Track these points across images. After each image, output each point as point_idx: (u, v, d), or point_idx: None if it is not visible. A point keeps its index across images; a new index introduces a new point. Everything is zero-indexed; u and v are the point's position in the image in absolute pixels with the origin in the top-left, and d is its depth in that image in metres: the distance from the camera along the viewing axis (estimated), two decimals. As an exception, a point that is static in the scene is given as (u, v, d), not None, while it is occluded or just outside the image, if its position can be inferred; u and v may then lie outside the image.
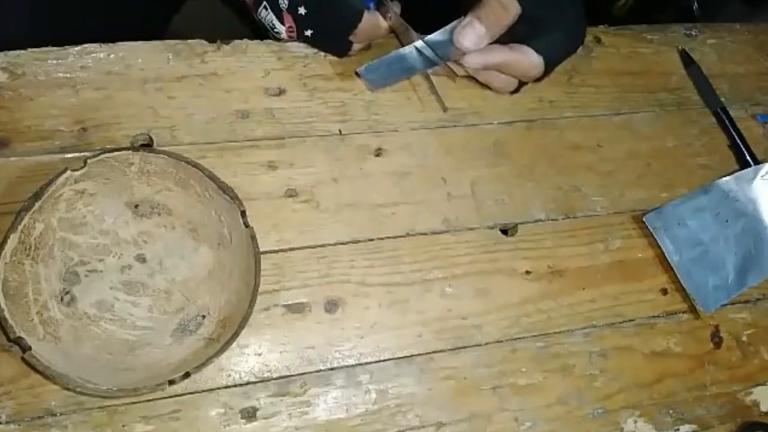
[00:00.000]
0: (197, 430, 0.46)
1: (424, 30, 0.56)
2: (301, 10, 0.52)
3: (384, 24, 0.55)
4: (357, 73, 0.56)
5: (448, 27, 0.55)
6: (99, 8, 0.65)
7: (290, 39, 0.55)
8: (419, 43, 0.55)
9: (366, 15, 0.53)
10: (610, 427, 0.53)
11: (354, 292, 0.52)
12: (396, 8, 0.54)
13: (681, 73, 0.67)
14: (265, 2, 0.52)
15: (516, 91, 0.59)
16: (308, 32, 0.54)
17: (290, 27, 0.53)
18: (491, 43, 0.54)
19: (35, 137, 0.50)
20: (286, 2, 0.52)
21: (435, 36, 0.55)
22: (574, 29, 0.57)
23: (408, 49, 0.56)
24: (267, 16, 0.53)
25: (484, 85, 0.59)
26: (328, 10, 0.52)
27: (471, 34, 0.53)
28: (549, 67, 0.56)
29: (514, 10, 0.52)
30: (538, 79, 0.57)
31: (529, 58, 0.54)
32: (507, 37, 0.54)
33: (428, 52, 0.55)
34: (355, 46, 0.56)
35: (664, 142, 0.63)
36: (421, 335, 0.52)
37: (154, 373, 0.44)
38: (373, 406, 0.50)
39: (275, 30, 0.54)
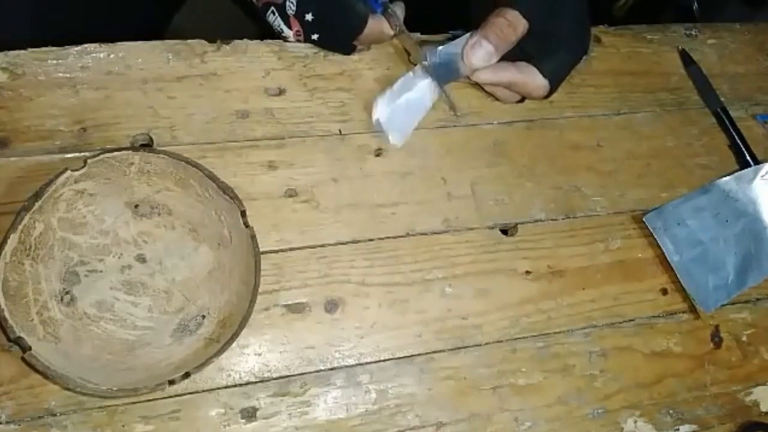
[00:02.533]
0: (197, 430, 0.46)
1: (424, 32, 0.57)
2: (308, 17, 0.53)
3: (388, 30, 0.55)
4: (379, 123, 0.56)
5: (456, 41, 0.55)
6: (99, 8, 0.65)
7: (297, 41, 0.56)
8: (426, 62, 0.55)
9: (371, 21, 0.54)
10: (610, 427, 0.53)
11: (354, 292, 0.52)
12: (400, 14, 0.55)
13: (681, 73, 0.67)
14: (273, 7, 0.53)
15: (520, 101, 0.59)
16: (315, 36, 0.55)
17: (297, 31, 0.55)
18: (500, 59, 0.54)
19: (35, 137, 0.50)
20: (294, 8, 0.53)
21: (445, 49, 0.55)
22: (579, 44, 0.58)
23: (418, 85, 0.55)
24: (275, 20, 0.54)
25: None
26: (334, 17, 0.54)
27: (480, 53, 0.53)
28: (553, 89, 0.57)
29: (521, 27, 0.53)
30: (544, 98, 0.57)
31: (534, 81, 0.55)
32: (516, 49, 0.54)
33: (434, 75, 0.55)
34: (361, 48, 0.57)
35: (664, 142, 0.63)
36: (421, 335, 0.52)
37: (154, 373, 0.44)
38: (373, 406, 0.50)
39: (283, 34, 0.55)
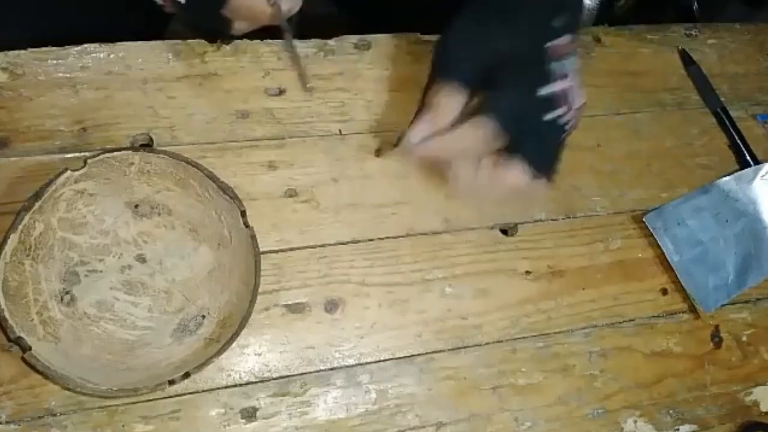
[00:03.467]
0: (197, 430, 0.46)
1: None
2: None
3: (263, 7, 0.49)
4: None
5: None
6: (99, 8, 0.65)
7: (165, 5, 0.50)
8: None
9: None
10: (610, 427, 0.53)
11: (354, 292, 0.52)
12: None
13: (681, 73, 0.67)
14: None
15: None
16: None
17: None
18: None
19: (35, 137, 0.50)
20: None
21: None
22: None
23: None
24: None
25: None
26: None
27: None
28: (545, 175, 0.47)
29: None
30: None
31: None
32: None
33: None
34: (238, 25, 0.51)
35: (664, 142, 0.63)
36: (421, 335, 0.52)
37: (154, 373, 0.44)
38: (373, 406, 0.50)
39: None
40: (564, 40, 0.45)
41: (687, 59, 0.67)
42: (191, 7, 0.50)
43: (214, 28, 0.53)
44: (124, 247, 0.48)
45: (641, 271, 0.58)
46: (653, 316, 0.57)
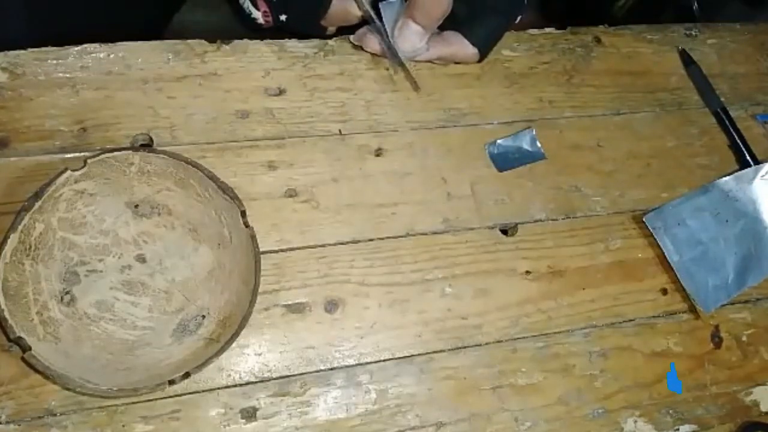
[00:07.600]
0: (197, 430, 0.46)
1: None
2: None
3: (355, 10, 0.55)
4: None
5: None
6: (99, 8, 0.65)
7: (267, 24, 0.56)
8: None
9: (336, 0, 0.54)
10: (610, 427, 0.53)
11: (354, 292, 0.52)
12: None
13: (681, 73, 0.67)
14: None
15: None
16: (282, 17, 0.55)
17: (265, 11, 0.55)
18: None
19: (35, 137, 0.50)
20: None
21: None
22: (510, 6, 0.58)
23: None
24: (244, 2, 0.55)
25: (485, 85, 0.60)
26: None
27: (409, 35, 0.54)
28: (484, 54, 0.58)
29: (446, 2, 0.53)
30: (477, 62, 0.59)
31: (465, 50, 0.57)
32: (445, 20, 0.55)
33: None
34: (330, 29, 0.58)
35: (664, 142, 0.63)
36: (421, 335, 0.52)
37: (154, 373, 0.44)
38: (373, 406, 0.50)
39: (252, 16, 0.56)
40: None
41: (687, 59, 0.67)
42: (291, 22, 0.56)
43: (311, 35, 0.57)
44: (124, 247, 0.48)
45: (641, 271, 0.58)
46: (653, 316, 0.57)
